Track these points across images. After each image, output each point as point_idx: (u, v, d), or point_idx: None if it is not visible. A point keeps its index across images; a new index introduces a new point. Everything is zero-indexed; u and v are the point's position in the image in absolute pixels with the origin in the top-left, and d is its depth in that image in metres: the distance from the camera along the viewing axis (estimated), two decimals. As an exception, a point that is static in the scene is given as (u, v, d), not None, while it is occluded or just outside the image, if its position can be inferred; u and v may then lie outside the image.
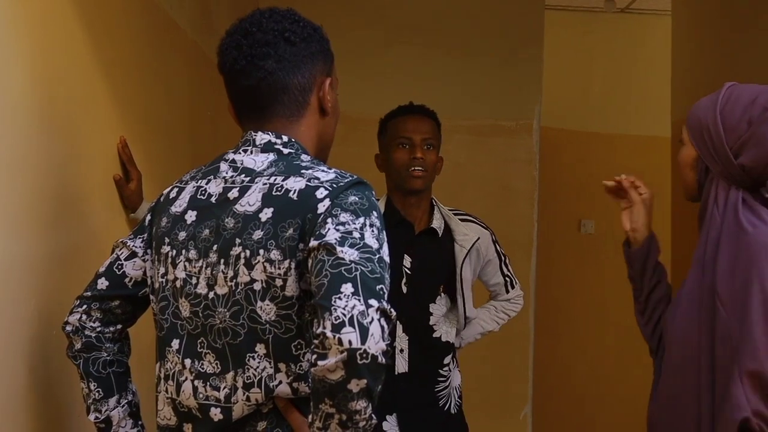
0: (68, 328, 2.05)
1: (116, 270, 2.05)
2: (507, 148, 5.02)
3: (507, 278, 3.46)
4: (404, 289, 3.19)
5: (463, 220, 3.32)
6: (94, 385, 2.05)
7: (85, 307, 2.04)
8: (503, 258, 3.44)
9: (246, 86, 1.96)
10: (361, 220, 1.78)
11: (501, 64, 5.06)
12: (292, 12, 2.01)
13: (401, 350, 3.18)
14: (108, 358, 2.06)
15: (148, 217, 2.06)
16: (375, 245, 1.75)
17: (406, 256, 3.19)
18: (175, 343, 1.93)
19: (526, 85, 5.07)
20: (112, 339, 2.06)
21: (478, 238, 3.29)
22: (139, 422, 2.11)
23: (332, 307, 1.65)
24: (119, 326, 2.08)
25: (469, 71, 5.07)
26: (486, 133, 5.02)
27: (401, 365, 3.18)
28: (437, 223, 3.25)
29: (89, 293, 2.05)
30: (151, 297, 2.01)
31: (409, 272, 3.20)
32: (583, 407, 6.49)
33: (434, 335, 3.25)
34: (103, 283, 2.05)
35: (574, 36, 7.04)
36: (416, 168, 3.16)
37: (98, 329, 2.04)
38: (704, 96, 2.41)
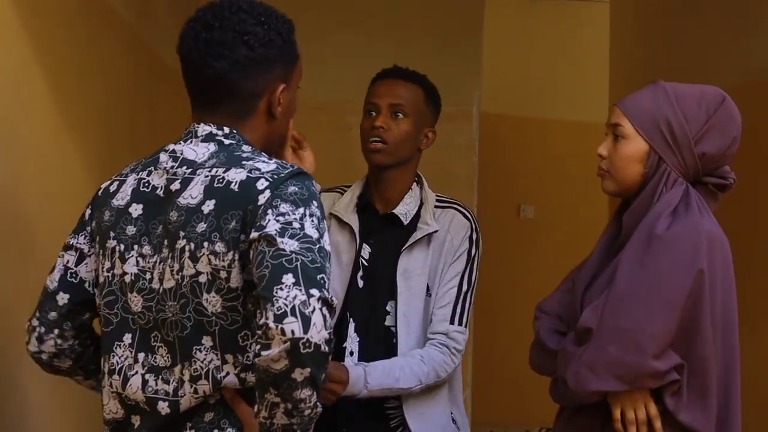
0: (44, 357, 1.97)
1: (72, 279, 1.97)
2: (447, 134, 4.97)
3: (460, 303, 2.73)
4: (360, 282, 2.74)
5: (441, 206, 2.77)
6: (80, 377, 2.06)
7: (56, 331, 1.96)
8: (470, 269, 2.74)
9: (196, 78, 1.94)
10: (301, 210, 1.78)
11: (441, 49, 5.06)
12: (260, 8, 1.95)
13: (351, 353, 2.70)
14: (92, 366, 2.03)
15: (88, 212, 2.01)
16: (315, 235, 1.76)
17: (365, 245, 2.74)
18: (127, 338, 1.89)
19: (466, 71, 5.07)
20: (91, 346, 2.02)
21: (437, 230, 2.71)
22: None
23: (274, 298, 1.66)
24: (93, 338, 2.02)
25: (408, 56, 5.01)
26: (426, 119, 5.02)
27: None
28: (404, 209, 2.74)
29: (55, 314, 1.96)
30: (95, 291, 1.96)
31: (366, 264, 2.74)
32: (521, 391, 6.55)
33: (393, 340, 2.70)
34: (63, 298, 1.96)
35: (513, 22, 7.08)
36: (373, 139, 2.69)
37: (78, 349, 1.99)
38: (640, 82, 2.48)
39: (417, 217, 2.76)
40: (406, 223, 2.74)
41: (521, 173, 7.07)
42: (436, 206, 2.77)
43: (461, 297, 2.73)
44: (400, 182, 2.77)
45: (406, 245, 2.71)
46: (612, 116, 2.42)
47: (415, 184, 2.80)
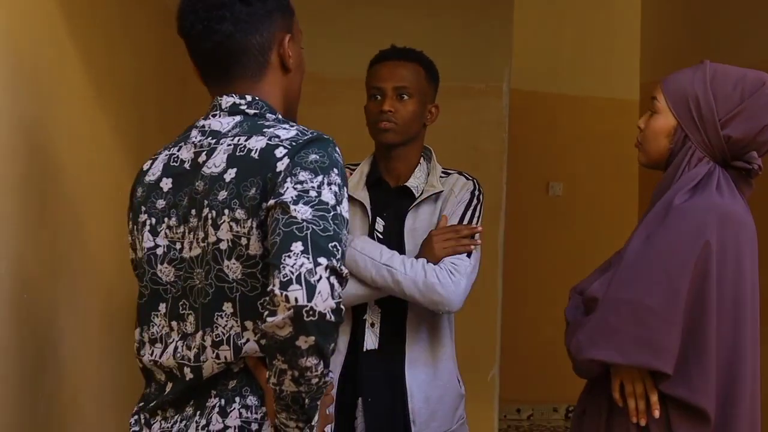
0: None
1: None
2: (477, 110, 5.01)
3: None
4: None
5: (446, 175, 2.89)
6: None
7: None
8: (471, 214, 2.81)
9: (205, 50, 1.97)
10: (320, 178, 1.80)
11: (471, 25, 5.04)
12: None
13: (372, 324, 2.77)
14: None
15: (130, 194, 2.05)
16: (331, 201, 1.78)
17: (378, 218, 2.82)
18: (162, 307, 1.95)
19: (497, 47, 5.05)
20: None
21: (441, 191, 2.82)
22: None
23: (281, 265, 1.69)
24: None
25: (438, 32, 5.04)
26: (456, 96, 5.00)
27: (370, 341, 2.77)
28: (415, 182, 2.85)
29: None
30: (133, 265, 2.01)
31: (380, 236, 2.79)
32: (550, 368, 6.56)
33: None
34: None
35: (544, -2, 7.03)
36: (383, 120, 2.79)
37: None
38: (672, 59, 2.48)
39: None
40: (417, 195, 2.82)
41: (550, 150, 7.04)
42: (441, 176, 2.87)
43: None
44: (409, 157, 2.87)
45: (413, 205, 2.80)
46: (653, 90, 2.44)
47: (422, 158, 2.90)
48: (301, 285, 1.67)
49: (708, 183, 2.31)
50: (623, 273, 2.28)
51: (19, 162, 2.26)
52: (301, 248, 1.70)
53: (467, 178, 2.88)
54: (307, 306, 1.67)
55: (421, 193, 2.82)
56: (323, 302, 1.68)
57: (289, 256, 1.69)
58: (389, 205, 2.84)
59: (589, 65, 7.07)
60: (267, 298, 1.70)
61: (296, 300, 1.67)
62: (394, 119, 2.79)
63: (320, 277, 1.69)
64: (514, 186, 5.47)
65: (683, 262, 2.22)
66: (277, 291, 1.68)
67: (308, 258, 1.69)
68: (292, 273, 1.68)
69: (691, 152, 2.36)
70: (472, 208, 2.82)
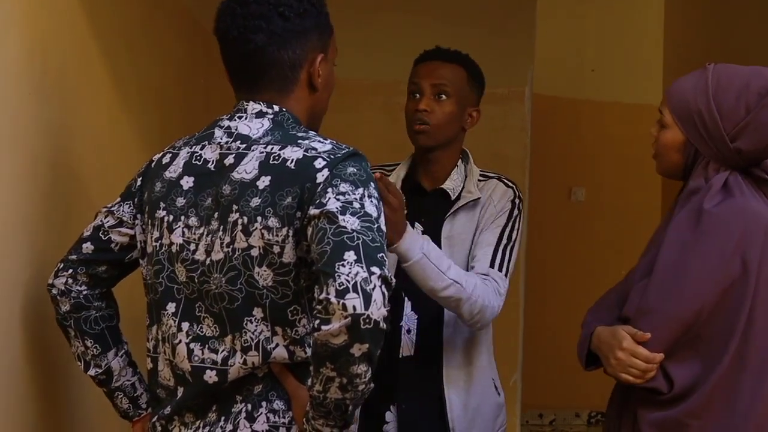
0: (54, 291, 2.07)
1: (102, 236, 2.07)
2: (499, 115, 5.00)
3: (500, 252, 2.69)
4: None
5: (485, 179, 2.79)
6: (91, 342, 2.09)
7: (71, 271, 2.07)
8: (511, 227, 2.73)
9: (236, 55, 1.98)
10: (361, 190, 1.82)
11: (494, 30, 5.03)
12: None
13: (408, 330, 2.72)
14: (98, 314, 2.09)
15: (138, 183, 2.07)
16: (374, 214, 1.80)
17: (417, 224, 2.70)
18: (171, 307, 1.96)
19: (519, 52, 5.05)
20: (99, 298, 2.10)
21: (479, 198, 2.73)
22: (137, 370, 2.16)
23: (336, 274, 1.70)
24: (104, 289, 2.11)
25: (461, 37, 4.99)
26: (478, 101, 5.00)
27: (407, 347, 2.71)
28: (451, 184, 2.77)
29: (75, 257, 2.08)
30: (142, 261, 2.03)
31: None
32: (572, 374, 6.52)
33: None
34: (88, 248, 2.07)
35: (566, 2, 7.02)
36: (417, 121, 2.71)
37: (85, 292, 2.07)
38: (696, 63, 2.43)
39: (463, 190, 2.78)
40: (453, 197, 2.76)
41: (573, 156, 7.03)
42: (479, 179, 2.79)
43: (501, 247, 2.70)
44: (446, 161, 2.79)
45: (450, 212, 2.73)
46: (661, 101, 2.41)
47: (460, 160, 2.83)
48: (358, 293, 1.69)
49: (734, 187, 2.26)
50: (658, 283, 2.24)
51: (44, 167, 2.27)
52: (354, 257, 1.72)
53: (507, 185, 2.79)
54: (364, 314, 1.68)
55: (458, 199, 2.75)
56: (378, 310, 1.70)
57: (342, 265, 1.71)
58: (426, 209, 2.76)
59: (611, 70, 7.05)
60: (319, 307, 1.70)
61: (354, 308, 1.68)
62: (428, 119, 2.70)
63: (375, 286, 1.70)
64: (537, 191, 5.46)
65: (716, 280, 2.19)
66: (333, 299, 1.69)
67: (362, 267, 1.71)
68: (348, 281, 1.69)
69: (705, 163, 2.31)
70: (513, 219, 2.74)
